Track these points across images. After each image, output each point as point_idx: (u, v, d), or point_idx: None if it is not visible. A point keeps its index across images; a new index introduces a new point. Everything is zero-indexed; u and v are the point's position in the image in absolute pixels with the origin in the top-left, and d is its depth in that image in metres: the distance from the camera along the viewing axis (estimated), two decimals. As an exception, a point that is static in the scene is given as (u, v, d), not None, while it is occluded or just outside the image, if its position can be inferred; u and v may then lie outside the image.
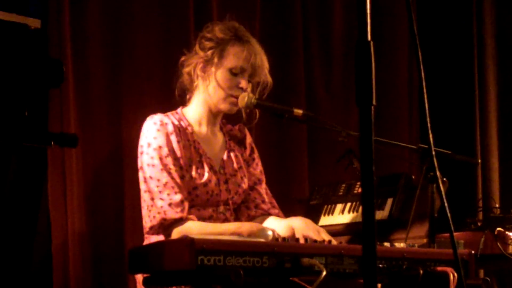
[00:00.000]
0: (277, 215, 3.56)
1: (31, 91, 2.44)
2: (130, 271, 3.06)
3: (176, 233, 3.25)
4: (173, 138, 3.37)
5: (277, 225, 3.42)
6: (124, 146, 4.13)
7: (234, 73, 3.44)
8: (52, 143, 2.49)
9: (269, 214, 3.55)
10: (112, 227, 4.10)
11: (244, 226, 3.25)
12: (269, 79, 3.53)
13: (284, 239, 2.86)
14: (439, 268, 3.05)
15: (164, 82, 4.21)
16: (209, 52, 3.44)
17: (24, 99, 2.43)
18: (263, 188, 3.62)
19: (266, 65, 3.50)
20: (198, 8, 4.47)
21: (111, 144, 4.15)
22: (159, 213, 3.27)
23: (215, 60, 3.43)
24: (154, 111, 3.48)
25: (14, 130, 2.41)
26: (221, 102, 3.45)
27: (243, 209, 3.57)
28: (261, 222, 3.52)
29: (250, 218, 3.55)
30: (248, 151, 3.64)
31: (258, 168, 3.64)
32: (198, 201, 3.40)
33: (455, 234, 2.44)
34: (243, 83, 3.43)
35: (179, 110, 3.54)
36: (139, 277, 3.31)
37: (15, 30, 2.44)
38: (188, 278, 2.71)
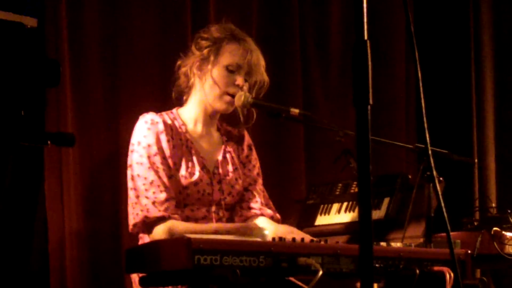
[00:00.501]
0: (271, 216, 3.55)
1: (27, 90, 2.44)
2: (126, 271, 3.06)
3: (157, 231, 3.25)
4: (163, 137, 3.37)
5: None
6: (121, 146, 4.12)
7: (230, 70, 3.44)
8: (49, 142, 2.48)
9: (262, 215, 3.55)
10: (109, 228, 4.10)
11: (226, 226, 3.26)
12: (265, 78, 3.53)
13: (280, 238, 2.86)
14: (436, 268, 3.05)
15: (161, 82, 4.21)
16: (205, 51, 3.45)
17: (21, 99, 2.43)
18: (258, 189, 3.61)
19: (262, 63, 3.50)
20: (195, 10, 4.47)
21: (108, 144, 4.15)
22: (142, 210, 3.28)
23: (211, 58, 3.44)
24: (151, 110, 3.48)
25: (10, 129, 2.41)
26: (217, 100, 3.45)
27: (237, 209, 3.57)
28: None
29: (244, 219, 3.55)
30: (245, 152, 3.63)
31: (254, 169, 3.64)
32: (189, 200, 3.40)
33: (451, 234, 2.44)
34: (239, 81, 3.43)
35: (174, 110, 3.54)
36: (135, 277, 3.31)
37: (11, 29, 2.44)
38: (185, 278, 2.71)
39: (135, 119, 3.60)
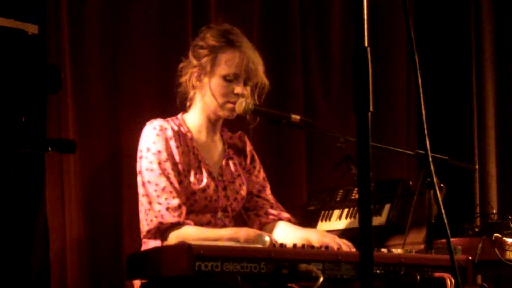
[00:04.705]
0: (289, 219, 3.57)
1: (28, 97, 2.44)
2: (128, 277, 3.06)
3: (172, 237, 3.26)
4: (172, 144, 3.38)
5: (292, 236, 3.42)
6: (122, 151, 4.13)
7: (228, 80, 3.44)
8: (50, 149, 2.49)
9: (280, 219, 3.56)
10: (110, 233, 4.10)
11: (241, 232, 3.25)
12: (265, 80, 3.53)
13: (281, 245, 2.86)
14: (437, 274, 3.05)
15: (162, 87, 4.21)
16: (202, 61, 3.45)
17: (22, 105, 2.43)
18: (268, 195, 3.64)
19: (260, 67, 3.49)
20: (196, 14, 4.47)
21: (109, 149, 4.15)
22: (156, 216, 3.28)
23: (208, 68, 3.44)
24: (152, 117, 3.49)
25: (11, 136, 2.41)
26: (219, 109, 3.46)
27: (253, 217, 3.58)
28: (273, 227, 3.54)
29: (262, 225, 3.56)
30: (249, 160, 3.65)
31: (260, 175, 3.66)
32: (196, 207, 3.40)
33: (452, 240, 2.44)
34: (238, 89, 3.43)
35: (179, 116, 3.55)
36: (137, 283, 3.31)
37: (13, 36, 2.44)
38: (186, 284, 2.71)
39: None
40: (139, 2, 4.30)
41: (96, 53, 4.14)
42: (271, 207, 3.59)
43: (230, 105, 3.44)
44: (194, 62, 3.47)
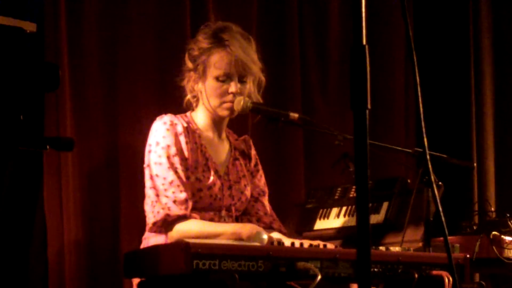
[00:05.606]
0: (279, 229, 3.58)
1: (26, 95, 2.44)
2: (125, 276, 3.06)
3: (176, 230, 3.27)
4: (182, 139, 3.40)
5: None
6: (120, 150, 4.12)
7: (221, 80, 3.44)
8: (48, 147, 2.49)
9: (271, 228, 3.57)
10: (108, 233, 4.10)
11: (245, 228, 3.27)
12: (261, 76, 3.52)
13: (279, 242, 2.86)
14: (434, 272, 3.06)
15: (160, 87, 4.21)
16: (196, 64, 3.46)
17: (20, 103, 2.43)
18: (266, 201, 3.65)
19: (253, 64, 3.47)
20: (194, 14, 4.47)
21: (107, 148, 4.15)
22: (163, 209, 3.29)
23: (201, 72, 3.45)
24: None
25: (9, 134, 2.41)
26: (218, 110, 3.47)
27: (245, 220, 3.59)
28: None
29: None
30: (253, 162, 3.66)
31: (262, 180, 3.67)
32: (201, 204, 3.41)
33: (450, 238, 2.45)
34: (233, 88, 3.43)
35: (188, 113, 3.55)
36: (136, 281, 3.31)
37: (11, 34, 2.44)
38: (184, 283, 2.71)
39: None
40: (137, 1, 4.30)
41: (95, 51, 4.14)
42: (265, 214, 3.60)
43: (227, 105, 3.45)
44: (190, 65, 3.49)
